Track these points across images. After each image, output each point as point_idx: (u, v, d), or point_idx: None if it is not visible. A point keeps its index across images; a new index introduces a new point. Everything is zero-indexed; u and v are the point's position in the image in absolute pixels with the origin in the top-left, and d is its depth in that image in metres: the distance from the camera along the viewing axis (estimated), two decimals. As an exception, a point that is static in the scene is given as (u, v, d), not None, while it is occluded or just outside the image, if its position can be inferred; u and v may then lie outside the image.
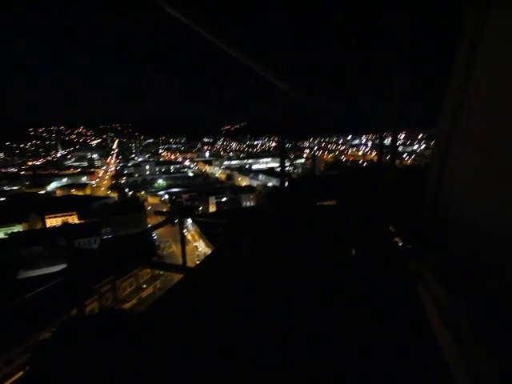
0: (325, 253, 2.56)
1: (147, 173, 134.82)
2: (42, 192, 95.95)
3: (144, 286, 36.70)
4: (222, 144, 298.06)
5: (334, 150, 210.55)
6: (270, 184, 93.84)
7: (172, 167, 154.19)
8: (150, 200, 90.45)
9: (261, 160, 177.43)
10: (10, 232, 49.55)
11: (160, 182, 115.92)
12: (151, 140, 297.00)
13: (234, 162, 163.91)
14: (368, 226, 3.01)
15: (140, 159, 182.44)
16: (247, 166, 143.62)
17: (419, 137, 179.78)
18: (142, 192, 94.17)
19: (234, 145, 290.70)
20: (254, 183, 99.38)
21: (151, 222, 64.47)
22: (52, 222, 58.33)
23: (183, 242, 3.90)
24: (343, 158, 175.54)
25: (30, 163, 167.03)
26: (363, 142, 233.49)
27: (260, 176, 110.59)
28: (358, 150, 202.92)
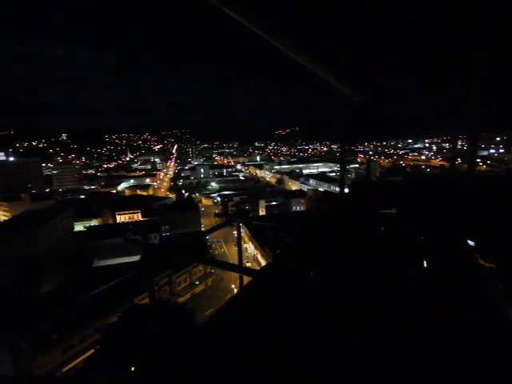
0: (392, 266, 2.36)
1: (202, 176, 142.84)
2: (114, 191, 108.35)
3: (196, 282, 38.78)
4: (273, 148, 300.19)
5: (392, 155, 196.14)
6: (320, 189, 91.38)
7: (224, 171, 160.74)
8: (204, 201, 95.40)
9: (312, 165, 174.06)
10: (87, 225, 56.98)
11: (213, 184, 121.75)
12: (206, 145, 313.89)
13: (284, 167, 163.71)
14: (441, 238, 2.71)
15: (196, 163, 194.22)
16: (298, 171, 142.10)
17: (497, 139, 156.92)
18: (197, 194, 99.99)
19: (284, 149, 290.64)
20: (305, 188, 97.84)
21: (204, 222, 67.87)
22: (121, 218, 65.42)
23: (240, 243, 4.04)
24: (402, 162, 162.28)
25: (105, 166, 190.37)
26: (426, 145, 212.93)
27: (311, 181, 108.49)
28: (420, 155, 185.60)
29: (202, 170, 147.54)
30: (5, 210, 73.49)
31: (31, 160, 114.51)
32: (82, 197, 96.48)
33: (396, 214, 3.43)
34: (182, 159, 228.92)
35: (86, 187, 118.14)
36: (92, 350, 19.91)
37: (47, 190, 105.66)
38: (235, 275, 44.59)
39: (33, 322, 24.13)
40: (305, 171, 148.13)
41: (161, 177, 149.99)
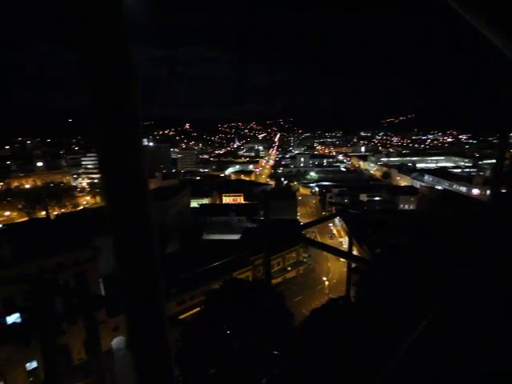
0: None
1: (301, 165, 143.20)
2: (222, 175, 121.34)
3: (289, 268, 39.87)
4: (382, 138, 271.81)
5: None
6: (438, 187, 77.70)
7: (325, 161, 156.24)
8: (302, 190, 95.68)
9: (429, 158, 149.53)
10: (200, 203, 66.08)
11: (312, 174, 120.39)
12: (308, 134, 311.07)
13: (393, 159, 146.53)
14: None
15: (296, 152, 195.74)
16: (410, 164, 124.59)
17: None
18: (295, 182, 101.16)
19: (395, 139, 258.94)
20: (417, 184, 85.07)
21: (300, 211, 68.28)
22: (226, 199, 73.01)
23: (351, 234, 3.82)
24: None
25: (217, 152, 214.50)
26: None
27: (426, 177, 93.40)
28: None
29: (302, 159, 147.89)
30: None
31: (163, 145, 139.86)
32: (198, 178, 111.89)
33: None
34: (283, 148, 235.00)
35: (200, 170, 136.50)
36: (198, 309, 23.46)
37: (173, 171, 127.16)
38: (327, 267, 43.57)
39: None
40: (419, 165, 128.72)
41: (263, 164, 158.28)
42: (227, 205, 65.11)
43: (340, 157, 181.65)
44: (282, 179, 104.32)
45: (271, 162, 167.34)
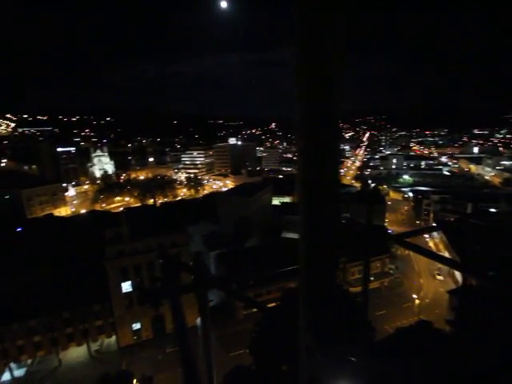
0: None
1: (393, 166, 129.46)
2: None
3: (371, 278, 36.82)
4: (504, 137, 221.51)
5: None
6: None
7: (423, 163, 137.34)
8: (392, 195, 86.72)
9: None
10: (282, 201, 67.22)
11: (406, 177, 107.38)
12: (403, 132, 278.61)
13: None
14: None
15: (388, 152, 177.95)
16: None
17: None
18: (385, 186, 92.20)
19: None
20: (557, 196, 66.00)
21: (389, 217, 62.03)
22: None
23: (470, 244, 3.34)
24: None
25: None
26: None
27: None
28: None
29: (394, 161, 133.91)
30: (232, 181, 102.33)
31: (250, 144, 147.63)
32: (280, 176, 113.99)
33: None
34: (372, 147, 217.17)
35: (283, 168, 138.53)
36: (273, 304, 24.07)
37: (257, 169, 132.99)
38: (418, 284, 38.75)
39: (238, 268, 32.16)
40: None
41: (348, 164, 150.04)
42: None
43: (443, 158, 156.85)
44: (370, 181, 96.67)
45: (357, 163, 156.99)
